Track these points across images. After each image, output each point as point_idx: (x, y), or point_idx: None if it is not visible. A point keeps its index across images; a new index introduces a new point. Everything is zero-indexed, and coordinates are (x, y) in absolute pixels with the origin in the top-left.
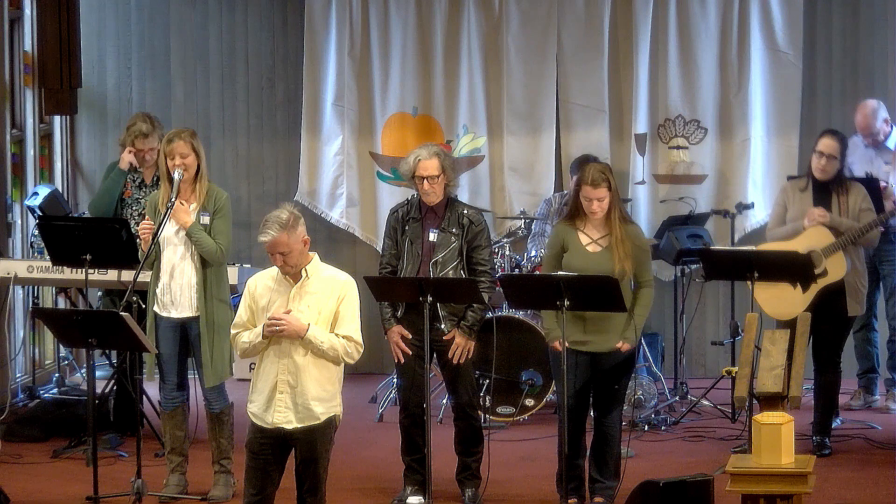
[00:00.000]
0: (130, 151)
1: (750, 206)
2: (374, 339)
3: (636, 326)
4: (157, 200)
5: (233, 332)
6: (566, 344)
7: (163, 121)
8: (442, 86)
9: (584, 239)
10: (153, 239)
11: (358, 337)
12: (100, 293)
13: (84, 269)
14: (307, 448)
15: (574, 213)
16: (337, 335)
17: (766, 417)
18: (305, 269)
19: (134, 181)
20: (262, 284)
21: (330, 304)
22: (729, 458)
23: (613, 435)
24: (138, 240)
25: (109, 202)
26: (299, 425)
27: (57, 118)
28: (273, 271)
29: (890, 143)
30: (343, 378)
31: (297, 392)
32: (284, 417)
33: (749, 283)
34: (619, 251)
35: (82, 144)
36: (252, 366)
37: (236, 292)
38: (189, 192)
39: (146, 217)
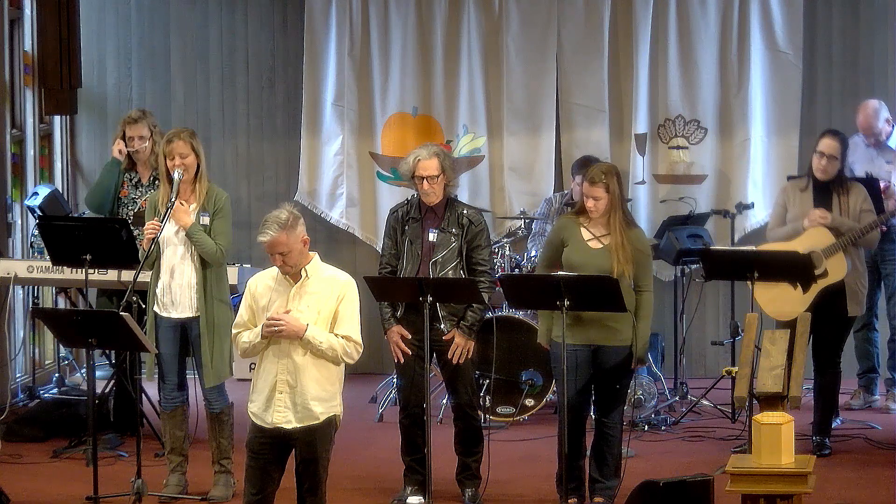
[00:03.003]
0: (119, 142)
1: (750, 206)
2: (374, 340)
3: (638, 338)
4: (157, 200)
5: (234, 331)
6: (566, 343)
7: (163, 121)
8: (442, 86)
9: (586, 234)
10: (153, 239)
11: (357, 337)
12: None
13: (84, 269)
14: (307, 448)
15: (581, 208)
16: (336, 335)
17: (766, 417)
18: (305, 269)
19: (130, 181)
20: (262, 284)
21: (330, 304)
22: (729, 458)
23: (614, 435)
24: (139, 238)
25: (105, 193)
26: (298, 425)
27: (57, 118)
28: (274, 271)
29: (891, 143)
30: (343, 378)
31: (296, 392)
32: (283, 417)
33: (749, 283)
34: (618, 255)
35: (82, 144)
36: (252, 366)
37: (236, 292)
38: (189, 192)
39: (154, 218)
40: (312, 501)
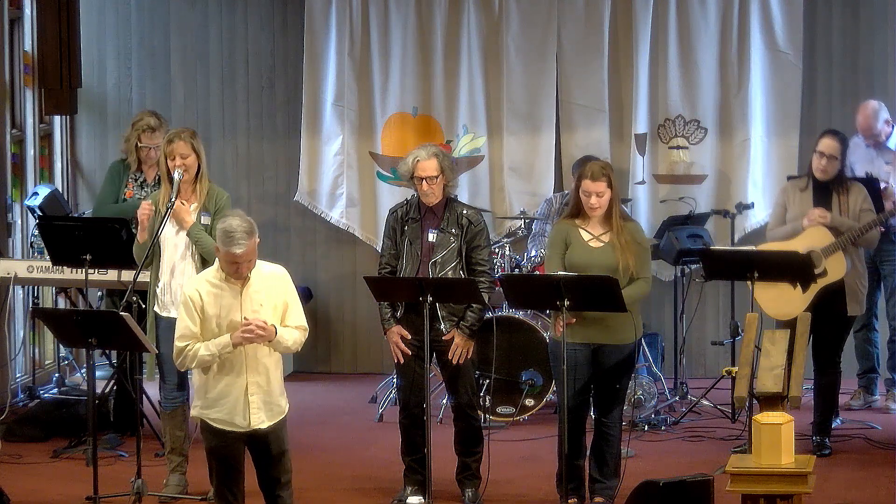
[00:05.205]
0: (134, 197)
1: (750, 206)
2: (374, 340)
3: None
4: (158, 200)
5: (181, 344)
6: (566, 341)
7: None
8: (442, 86)
9: (585, 235)
10: (153, 239)
11: (306, 323)
12: (99, 293)
13: (84, 269)
14: (277, 442)
15: (575, 211)
16: (289, 327)
17: (766, 417)
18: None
19: (136, 180)
20: (204, 292)
21: (279, 298)
22: (729, 458)
23: (613, 435)
24: (134, 229)
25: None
26: (270, 423)
27: (57, 118)
28: (208, 275)
29: (891, 144)
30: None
31: (266, 391)
32: (258, 418)
33: (749, 283)
34: (619, 245)
35: (82, 144)
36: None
37: None
38: (189, 192)
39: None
40: (288, 494)
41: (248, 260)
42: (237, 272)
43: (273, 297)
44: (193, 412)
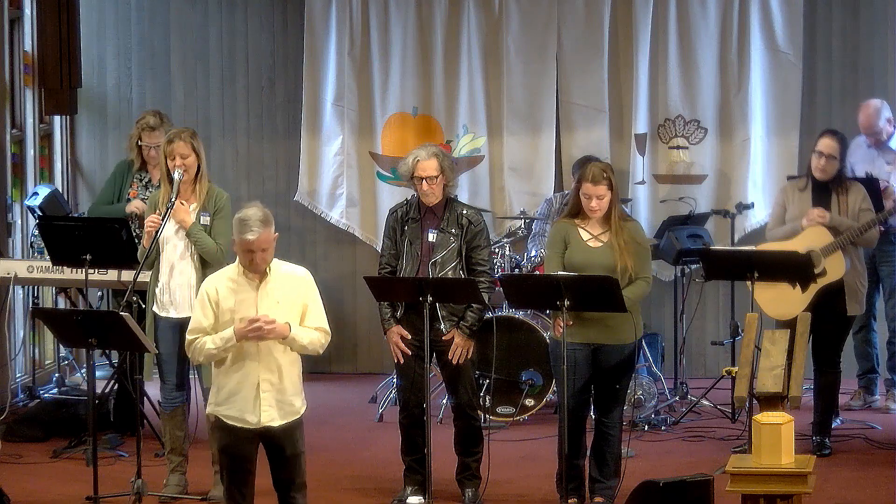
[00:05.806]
0: (137, 197)
1: (750, 206)
2: (374, 340)
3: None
4: (158, 200)
5: (189, 337)
6: (566, 340)
7: None
8: (442, 86)
9: (584, 235)
10: (153, 239)
11: (327, 326)
12: (100, 293)
13: (84, 269)
14: (291, 443)
15: (574, 211)
16: (308, 328)
17: (766, 417)
18: (269, 266)
19: (141, 180)
20: (222, 287)
21: (298, 297)
22: (729, 458)
23: (614, 434)
24: (137, 237)
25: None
26: (282, 422)
27: (57, 118)
28: (228, 272)
29: (892, 144)
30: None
31: (279, 389)
32: (269, 416)
33: (749, 283)
34: (618, 246)
35: (82, 144)
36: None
37: None
38: (189, 192)
39: (155, 212)
40: (302, 496)
41: (263, 249)
42: (252, 262)
43: (291, 295)
44: (208, 409)
